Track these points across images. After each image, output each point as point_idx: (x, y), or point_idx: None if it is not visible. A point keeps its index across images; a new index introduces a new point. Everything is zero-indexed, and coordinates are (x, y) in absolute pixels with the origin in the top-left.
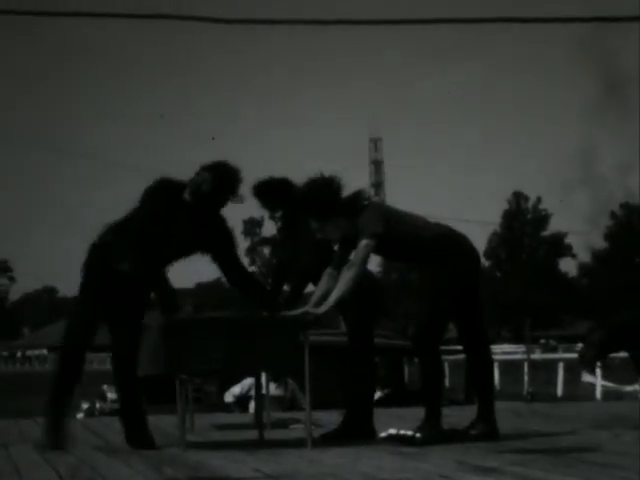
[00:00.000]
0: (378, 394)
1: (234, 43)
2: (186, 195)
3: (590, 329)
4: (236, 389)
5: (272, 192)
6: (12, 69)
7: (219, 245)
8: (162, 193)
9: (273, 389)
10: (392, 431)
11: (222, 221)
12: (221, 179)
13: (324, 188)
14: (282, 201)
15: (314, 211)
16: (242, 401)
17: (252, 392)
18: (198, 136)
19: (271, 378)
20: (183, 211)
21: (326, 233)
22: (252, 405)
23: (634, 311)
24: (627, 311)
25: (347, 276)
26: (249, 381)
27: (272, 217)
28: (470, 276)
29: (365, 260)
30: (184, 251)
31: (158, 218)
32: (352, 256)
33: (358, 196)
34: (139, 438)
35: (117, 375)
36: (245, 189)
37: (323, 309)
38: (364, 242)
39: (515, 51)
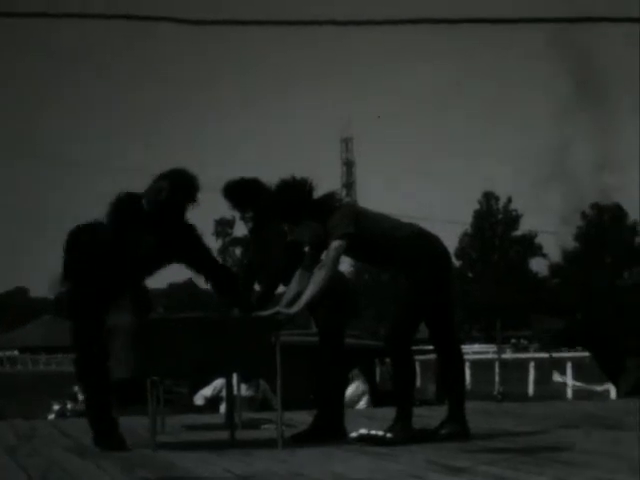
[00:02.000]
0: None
1: (203, 44)
2: (144, 204)
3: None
4: (207, 391)
5: (242, 192)
6: None
7: (189, 252)
8: (124, 204)
9: (244, 390)
10: (363, 431)
11: (188, 227)
12: (178, 186)
13: (295, 190)
14: (252, 202)
15: (285, 213)
16: (213, 403)
17: (223, 393)
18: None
19: (242, 379)
20: (144, 223)
21: (298, 235)
22: (223, 406)
23: (593, 312)
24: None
25: (318, 277)
26: (220, 382)
27: (243, 218)
28: (442, 276)
29: (336, 261)
30: (154, 263)
31: (122, 230)
32: (323, 257)
33: (330, 198)
34: (109, 440)
35: (82, 378)
36: (209, 193)
37: (294, 310)
38: (335, 243)
39: (485, 50)
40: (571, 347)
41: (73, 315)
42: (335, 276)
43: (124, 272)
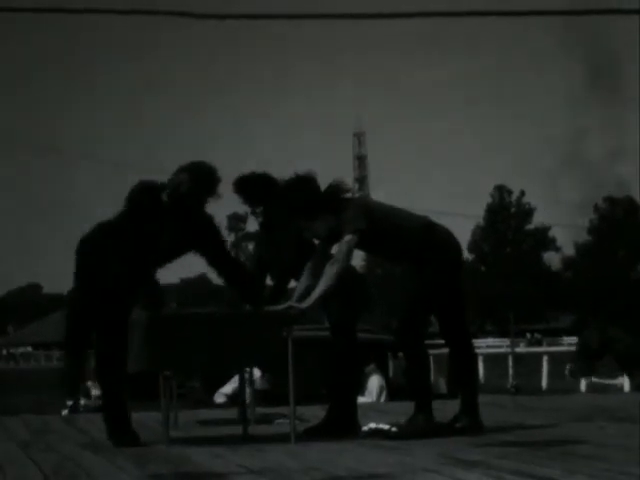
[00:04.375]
0: None
1: (216, 39)
2: (164, 197)
3: (576, 329)
4: (227, 389)
5: (253, 187)
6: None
7: (206, 243)
8: (143, 196)
9: (260, 384)
10: (372, 425)
11: (208, 219)
12: (198, 179)
13: (305, 188)
14: (263, 196)
15: (300, 212)
16: (235, 399)
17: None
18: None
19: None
20: (165, 212)
21: (314, 231)
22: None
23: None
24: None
25: (331, 271)
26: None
27: (253, 212)
28: (454, 269)
29: (348, 256)
30: (172, 253)
31: (141, 221)
32: (335, 251)
33: (338, 189)
34: (122, 435)
35: (100, 373)
36: (224, 187)
37: (306, 304)
38: (347, 237)
39: (498, 44)
40: (598, 359)
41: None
42: (347, 270)
43: (142, 264)
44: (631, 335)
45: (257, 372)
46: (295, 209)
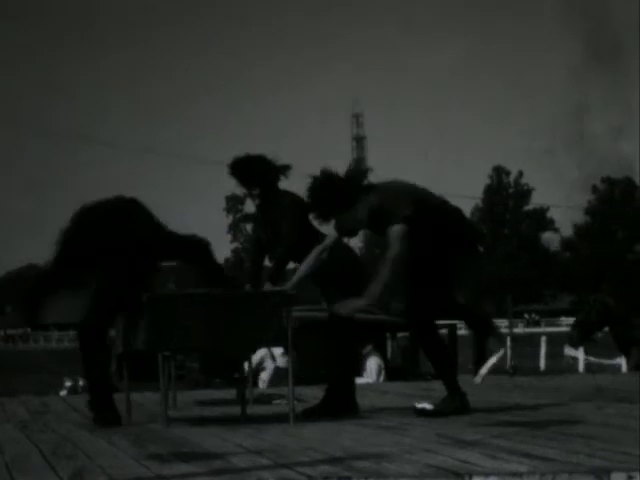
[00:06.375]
0: None
1: (211, 18)
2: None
3: (576, 310)
4: (264, 375)
5: (248, 169)
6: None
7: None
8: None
9: (281, 362)
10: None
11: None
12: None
13: (328, 188)
14: (258, 178)
15: (332, 211)
16: (255, 374)
17: (265, 364)
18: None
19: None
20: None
21: (350, 224)
22: (262, 377)
23: (613, 288)
24: (606, 288)
25: (389, 264)
26: (259, 355)
27: (250, 195)
28: (465, 247)
29: (403, 243)
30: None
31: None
32: (390, 241)
33: (358, 174)
34: (103, 414)
35: (84, 349)
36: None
37: (371, 300)
38: (397, 227)
39: (498, 24)
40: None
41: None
42: (347, 255)
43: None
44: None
45: (278, 350)
46: (327, 211)
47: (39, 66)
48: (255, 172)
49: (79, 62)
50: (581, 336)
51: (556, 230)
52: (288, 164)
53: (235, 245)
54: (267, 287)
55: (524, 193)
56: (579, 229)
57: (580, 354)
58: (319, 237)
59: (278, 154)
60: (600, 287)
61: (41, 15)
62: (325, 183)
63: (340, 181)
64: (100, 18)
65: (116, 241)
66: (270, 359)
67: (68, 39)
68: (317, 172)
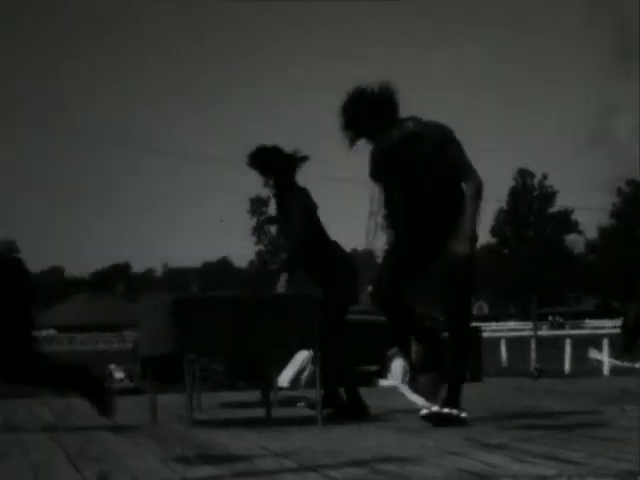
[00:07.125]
0: None
1: (232, 16)
2: None
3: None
4: (288, 371)
5: (263, 159)
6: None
7: None
8: None
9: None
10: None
11: None
12: None
13: (362, 104)
14: (274, 166)
15: (365, 129)
16: (298, 377)
17: (306, 365)
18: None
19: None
20: None
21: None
22: (303, 375)
23: None
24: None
25: (475, 199)
26: (300, 357)
27: (266, 184)
28: None
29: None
30: None
31: None
32: (466, 188)
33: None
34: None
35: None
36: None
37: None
38: (480, 180)
39: (527, 18)
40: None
41: None
42: (335, 252)
43: None
44: None
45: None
46: (360, 128)
47: (39, 66)
48: (270, 161)
49: (87, 62)
50: (626, 345)
51: (580, 232)
52: (306, 155)
53: (259, 247)
54: (283, 278)
55: (548, 195)
56: (604, 232)
57: (605, 357)
58: (329, 240)
59: (285, 143)
60: (634, 291)
61: (45, 15)
62: (357, 99)
63: (375, 97)
64: (102, 18)
65: None
66: (312, 362)
67: (70, 36)
68: (321, 172)
